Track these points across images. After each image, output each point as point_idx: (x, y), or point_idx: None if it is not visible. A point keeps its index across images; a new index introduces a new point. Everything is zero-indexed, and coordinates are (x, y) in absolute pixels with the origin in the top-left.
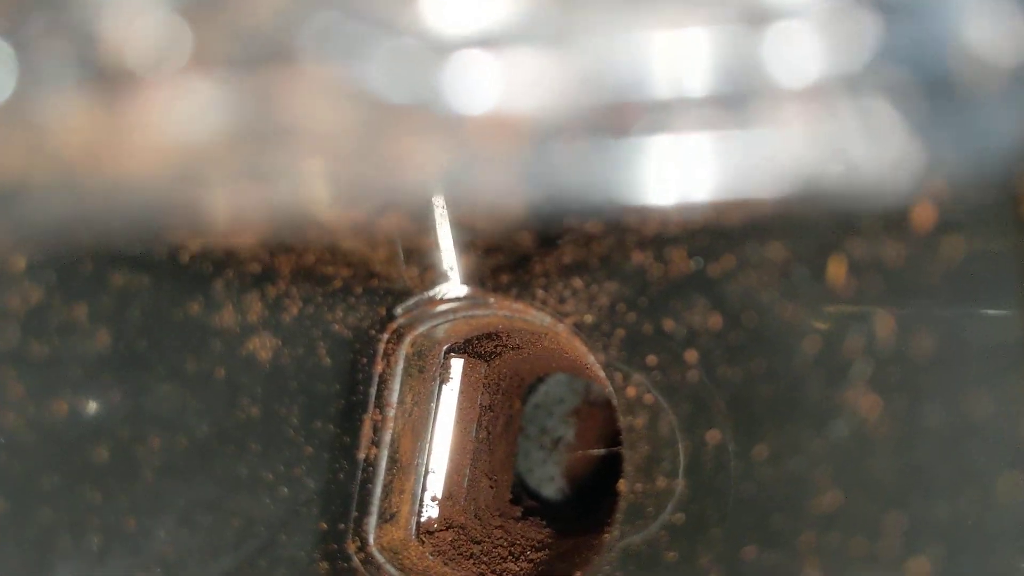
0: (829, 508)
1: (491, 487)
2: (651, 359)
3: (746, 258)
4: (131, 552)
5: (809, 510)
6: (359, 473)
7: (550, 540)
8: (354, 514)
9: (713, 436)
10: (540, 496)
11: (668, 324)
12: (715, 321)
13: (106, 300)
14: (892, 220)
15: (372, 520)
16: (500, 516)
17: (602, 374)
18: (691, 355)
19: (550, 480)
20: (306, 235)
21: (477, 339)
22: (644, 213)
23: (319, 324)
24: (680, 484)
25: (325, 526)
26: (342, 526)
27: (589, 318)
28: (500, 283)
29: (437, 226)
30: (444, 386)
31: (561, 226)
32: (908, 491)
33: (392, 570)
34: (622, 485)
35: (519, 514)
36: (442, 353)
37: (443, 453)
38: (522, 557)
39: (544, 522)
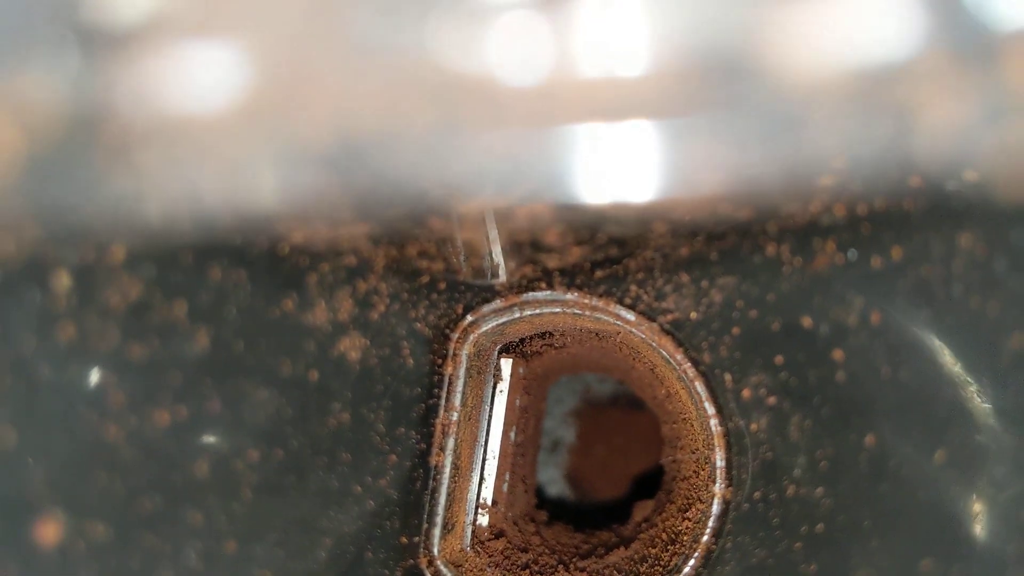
0: None
1: (525, 492)
2: (779, 359)
3: (923, 249)
4: None
5: (1016, 520)
6: (430, 482)
7: (587, 546)
8: (424, 526)
9: (868, 439)
10: (548, 500)
11: (806, 321)
12: (875, 318)
13: (204, 297)
14: None
15: (437, 531)
16: (532, 522)
17: (681, 376)
18: (838, 354)
19: (552, 483)
20: (426, 224)
21: (530, 338)
22: (780, 199)
23: (403, 322)
24: (820, 492)
25: (405, 540)
26: (416, 539)
27: (694, 315)
28: (592, 279)
29: (525, 217)
30: (496, 388)
31: (673, 216)
32: None
33: None
34: (728, 493)
35: (546, 519)
36: (495, 353)
37: (494, 458)
38: (572, 565)
39: (572, 527)
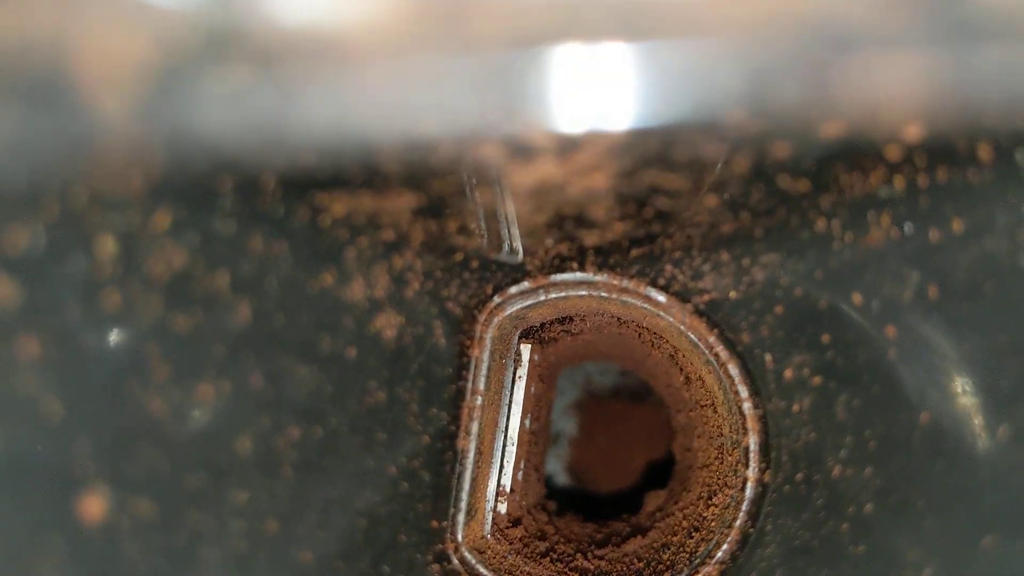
0: None
1: (538, 480)
2: (826, 337)
3: (987, 221)
4: (272, 558)
5: None
6: (457, 466)
7: (601, 536)
8: (451, 511)
9: (924, 418)
10: (555, 490)
11: (856, 298)
12: (932, 293)
13: (246, 267)
14: None
15: (461, 517)
16: (544, 511)
17: (710, 360)
18: (891, 331)
19: (556, 474)
20: (471, 196)
21: (549, 323)
22: (851, 171)
23: (436, 301)
24: (869, 472)
25: (436, 524)
26: (445, 523)
27: (733, 294)
28: (627, 258)
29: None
30: (516, 373)
31: (744, 188)
32: None
33: (485, 571)
34: (767, 475)
35: (556, 509)
36: (516, 338)
37: (512, 445)
38: (589, 553)
39: (582, 516)
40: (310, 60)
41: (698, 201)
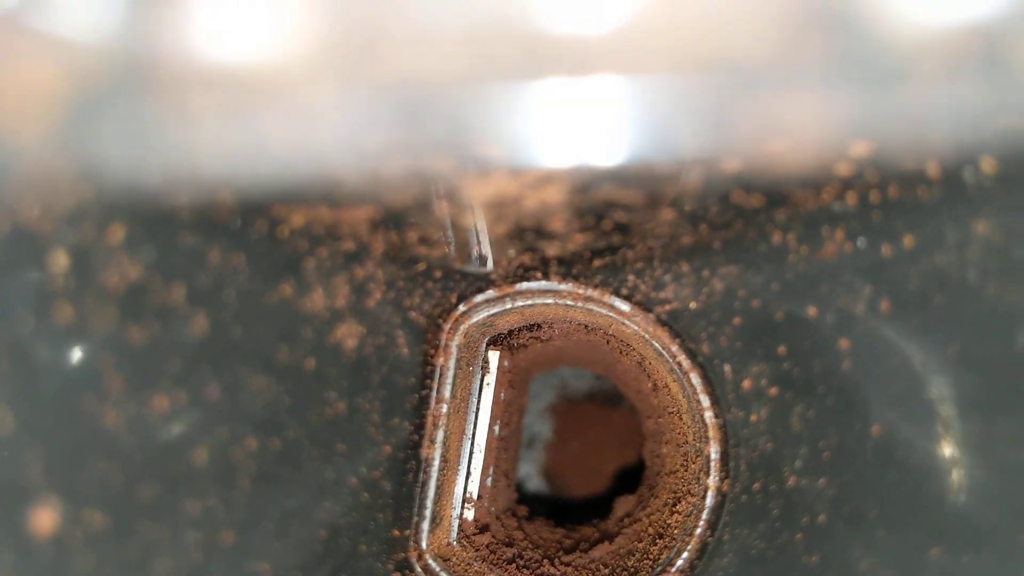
0: None
1: (507, 486)
2: (782, 349)
3: (937, 237)
4: (228, 570)
5: None
6: (420, 475)
7: (570, 541)
8: (415, 519)
9: (873, 429)
10: (527, 496)
11: (811, 310)
12: (884, 306)
13: (204, 279)
14: None
15: (426, 525)
16: (514, 516)
17: (673, 368)
18: (844, 343)
19: (528, 478)
20: (430, 207)
21: (518, 330)
22: (804, 187)
23: (399, 311)
24: (823, 483)
25: (397, 533)
26: (407, 532)
27: (693, 305)
28: (590, 268)
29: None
30: (483, 380)
31: (707, 200)
32: None
33: None
34: (726, 485)
35: (527, 514)
36: (484, 345)
37: (480, 452)
38: (556, 560)
39: (552, 522)
40: (220, 93)
41: (655, 215)
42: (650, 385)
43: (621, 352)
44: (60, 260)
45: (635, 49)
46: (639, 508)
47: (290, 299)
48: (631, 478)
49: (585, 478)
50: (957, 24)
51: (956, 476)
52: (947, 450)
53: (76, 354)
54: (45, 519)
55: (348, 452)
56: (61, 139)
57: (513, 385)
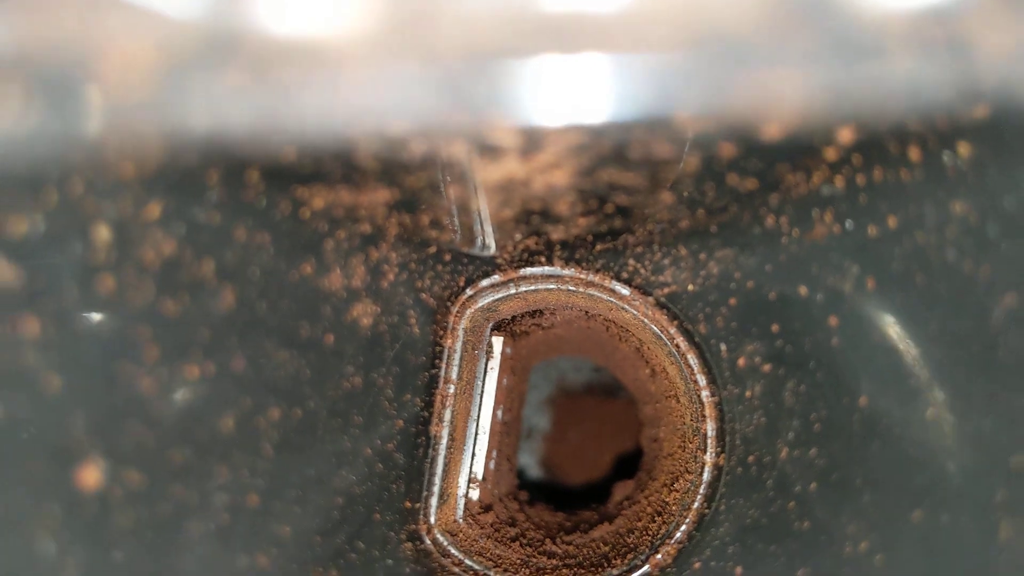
0: None
1: (510, 470)
2: (775, 327)
3: (918, 218)
4: (253, 532)
5: (1005, 466)
6: (430, 451)
7: (570, 523)
8: (424, 493)
9: (861, 400)
10: (528, 483)
11: (802, 290)
12: (870, 284)
13: (230, 256)
14: None
15: (434, 501)
16: (515, 500)
17: (672, 351)
18: (833, 320)
19: (529, 468)
20: (443, 191)
21: (521, 316)
22: (796, 171)
23: (411, 291)
24: (814, 453)
25: (409, 505)
26: (418, 505)
27: (691, 287)
28: (592, 253)
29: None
30: (488, 364)
31: (697, 185)
32: None
33: (456, 552)
34: (722, 459)
35: (527, 498)
36: (488, 330)
37: (484, 434)
38: (558, 539)
39: (552, 506)
40: (296, 65)
41: (655, 198)
42: (648, 371)
43: (620, 339)
44: (103, 233)
45: (639, 27)
46: (637, 491)
47: (310, 277)
48: (629, 465)
49: (583, 467)
50: (924, 6)
51: (935, 442)
52: (927, 418)
53: (117, 323)
54: (90, 476)
55: (364, 424)
56: (152, 104)
57: (514, 372)
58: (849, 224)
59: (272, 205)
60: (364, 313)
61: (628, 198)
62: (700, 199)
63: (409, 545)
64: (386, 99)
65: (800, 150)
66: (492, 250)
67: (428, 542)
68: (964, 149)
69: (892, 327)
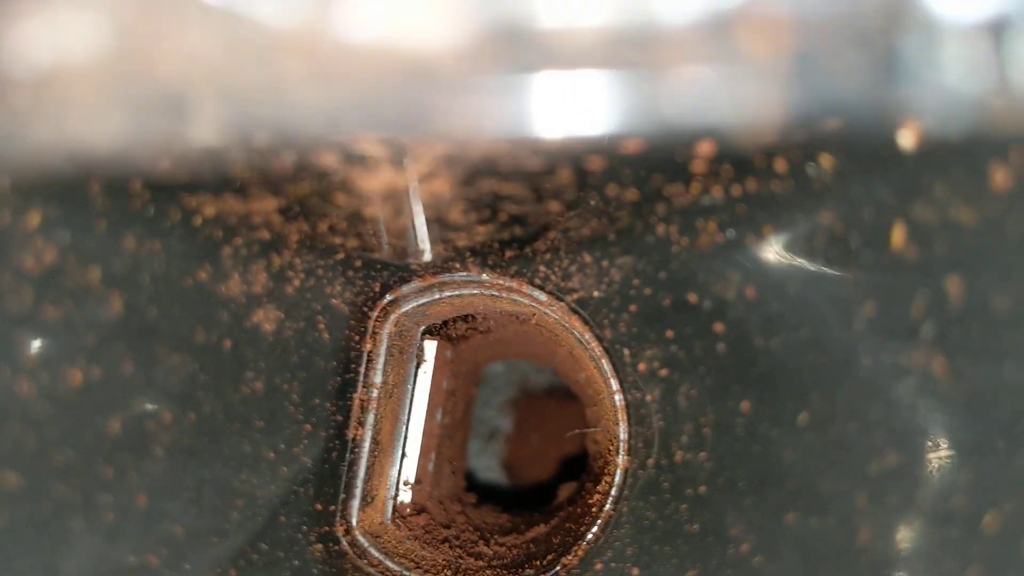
0: (887, 469)
1: (452, 473)
2: (669, 332)
3: (790, 226)
4: (143, 531)
5: (862, 471)
6: (347, 454)
7: (511, 525)
8: (341, 496)
9: (744, 406)
10: (481, 485)
11: (692, 297)
12: (750, 292)
13: (119, 264)
14: (964, 180)
15: (356, 503)
16: (459, 502)
17: (591, 355)
18: (719, 327)
19: (487, 470)
20: (329, 199)
21: (452, 321)
22: (674, 181)
23: (319, 297)
24: (703, 456)
25: (320, 507)
26: (332, 507)
27: (597, 294)
28: (503, 259)
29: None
30: (419, 368)
31: (587, 193)
32: (980, 446)
33: (376, 553)
34: (626, 462)
35: (475, 501)
36: (419, 334)
37: (416, 437)
38: (492, 541)
39: (500, 508)
40: (34, 91)
41: (544, 207)
42: (584, 375)
43: (554, 342)
44: None
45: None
46: (579, 492)
47: (206, 284)
48: (578, 466)
49: (537, 469)
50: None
51: (805, 447)
52: (798, 424)
53: None
54: None
55: (265, 428)
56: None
57: (458, 375)
58: (730, 233)
59: (161, 213)
60: (266, 319)
61: (517, 207)
62: (589, 208)
63: (319, 547)
64: (107, 122)
65: (667, 162)
66: (427, 257)
67: (345, 544)
68: (827, 162)
69: (768, 335)
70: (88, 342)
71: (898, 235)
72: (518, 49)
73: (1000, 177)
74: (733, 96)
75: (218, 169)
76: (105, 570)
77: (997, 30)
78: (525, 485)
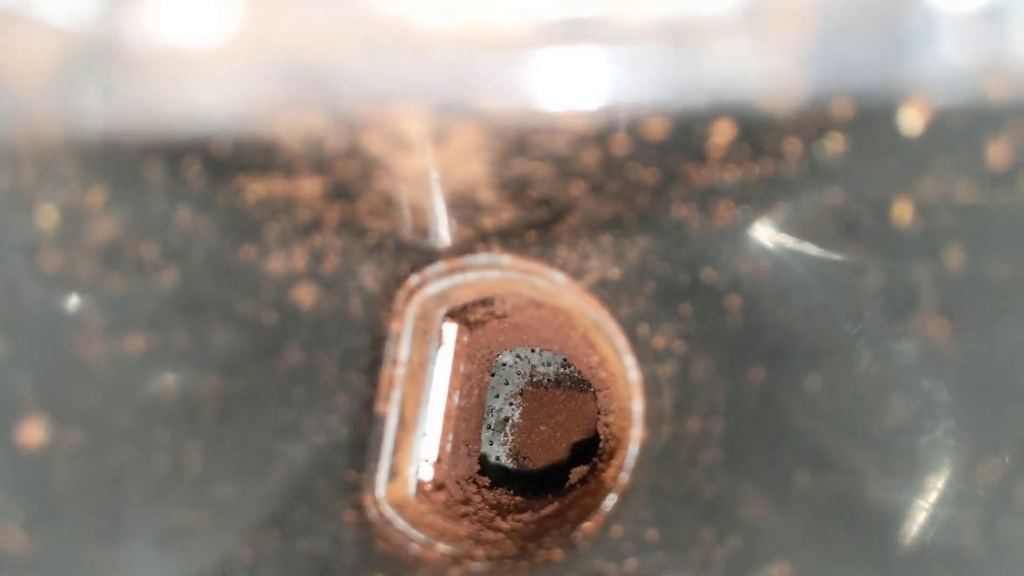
0: (892, 427)
1: (468, 455)
2: (684, 308)
3: (801, 204)
4: (193, 493)
5: (869, 431)
6: (376, 428)
7: (525, 505)
8: (370, 466)
9: (756, 374)
10: (492, 471)
11: (708, 274)
12: (763, 266)
13: (175, 239)
14: (964, 157)
15: (383, 476)
16: (474, 483)
17: (606, 335)
18: (733, 301)
19: (497, 459)
20: (370, 179)
21: (472, 305)
22: (693, 162)
23: (353, 276)
24: (719, 423)
25: (353, 475)
26: (363, 476)
27: (616, 272)
28: (525, 241)
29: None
30: (439, 350)
31: (610, 174)
32: (978, 403)
33: (403, 523)
34: (642, 435)
35: (488, 483)
36: (440, 317)
37: (437, 416)
38: (509, 517)
39: (512, 491)
40: (168, 63)
41: (568, 189)
42: (597, 358)
43: (569, 326)
44: (50, 214)
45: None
46: (591, 474)
47: (253, 260)
48: (589, 451)
49: (549, 456)
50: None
51: (814, 411)
52: (807, 389)
53: (62, 296)
54: (34, 433)
55: (305, 397)
56: (53, 95)
57: (474, 360)
58: (745, 211)
59: (214, 192)
60: (306, 295)
61: (545, 187)
62: (610, 190)
63: (352, 513)
64: (236, 93)
65: (687, 144)
66: (445, 240)
67: (375, 511)
68: (835, 141)
69: (780, 307)
70: (147, 311)
71: (902, 210)
72: (564, 27)
73: (997, 150)
74: (762, 69)
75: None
76: (160, 526)
77: (991, 15)
78: (535, 470)
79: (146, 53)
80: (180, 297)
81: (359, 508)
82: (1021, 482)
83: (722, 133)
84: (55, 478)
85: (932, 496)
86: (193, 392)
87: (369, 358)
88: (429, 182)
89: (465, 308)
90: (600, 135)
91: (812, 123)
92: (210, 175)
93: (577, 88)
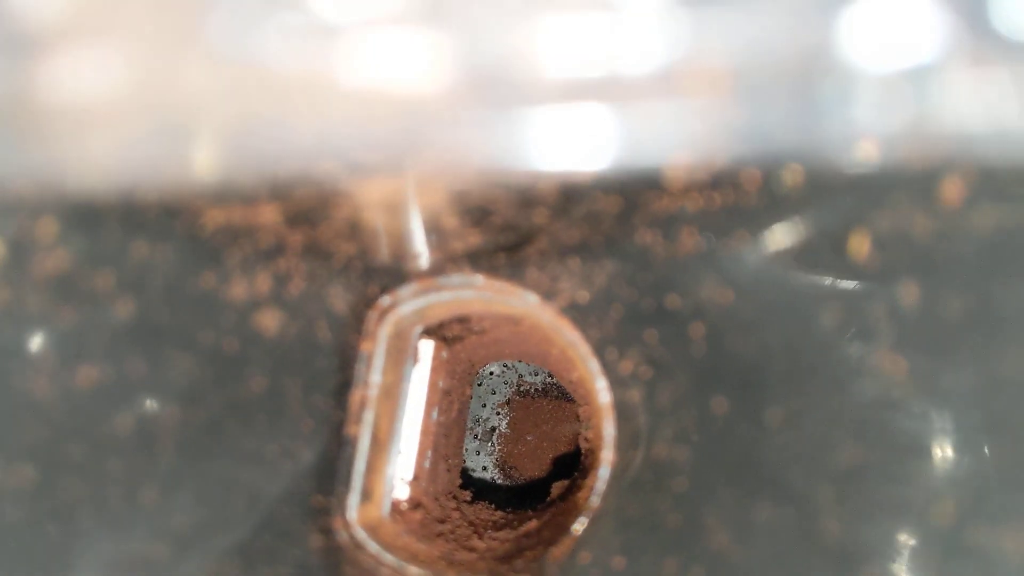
0: (849, 464)
1: (447, 471)
2: (650, 334)
3: (762, 234)
4: (150, 525)
5: (828, 466)
6: (346, 450)
7: (504, 521)
8: (339, 490)
9: (720, 404)
10: (476, 483)
11: (672, 300)
12: (726, 296)
13: (131, 269)
14: (919, 194)
15: (355, 498)
16: (454, 499)
17: (580, 355)
18: (697, 329)
19: (483, 469)
20: (331, 207)
21: (448, 322)
22: (654, 191)
23: (320, 300)
24: (684, 451)
25: (320, 501)
26: (332, 501)
27: (584, 295)
28: (496, 264)
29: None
30: (414, 368)
31: (572, 202)
32: (933, 444)
33: (374, 546)
34: (613, 458)
35: (469, 498)
36: (415, 335)
37: (413, 434)
38: (486, 535)
39: (493, 506)
40: (68, 124)
41: (531, 216)
42: (576, 375)
43: (547, 343)
44: None
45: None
46: (568, 490)
47: (213, 287)
48: (571, 464)
49: (533, 468)
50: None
51: (774, 444)
52: (769, 422)
53: (10, 330)
54: None
55: (268, 424)
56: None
57: (453, 375)
58: (709, 239)
59: (171, 223)
60: (270, 320)
61: (505, 217)
62: (574, 215)
63: (319, 538)
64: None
65: (643, 176)
66: (423, 264)
67: (345, 535)
68: (794, 174)
69: (746, 335)
70: (101, 343)
71: (859, 243)
72: (497, 89)
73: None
74: (682, 129)
75: (224, 188)
76: (115, 561)
77: (910, 77)
78: (518, 483)
79: (46, 109)
80: (137, 327)
81: (327, 533)
82: (972, 524)
83: (672, 172)
84: (1, 517)
85: (889, 534)
86: (150, 423)
87: (338, 381)
88: (392, 210)
89: (442, 325)
90: (550, 177)
91: (747, 167)
92: (166, 208)
93: (503, 145)
